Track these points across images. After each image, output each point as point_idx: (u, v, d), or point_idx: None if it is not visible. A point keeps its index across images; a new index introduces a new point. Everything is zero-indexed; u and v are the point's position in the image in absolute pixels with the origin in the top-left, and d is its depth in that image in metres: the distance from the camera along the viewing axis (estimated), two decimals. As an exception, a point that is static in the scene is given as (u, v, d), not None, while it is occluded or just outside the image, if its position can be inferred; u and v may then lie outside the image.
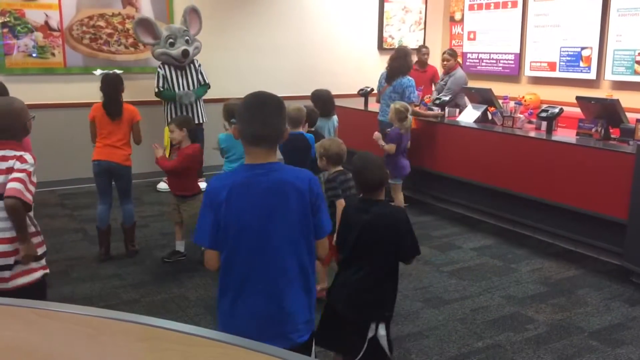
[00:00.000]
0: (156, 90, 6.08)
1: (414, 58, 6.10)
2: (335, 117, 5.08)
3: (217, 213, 1.86)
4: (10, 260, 2.57)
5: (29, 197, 2.56)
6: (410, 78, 5.54)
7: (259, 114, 1.89)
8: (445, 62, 6.59)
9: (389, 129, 5.16)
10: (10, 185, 2.52)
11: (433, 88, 7.11)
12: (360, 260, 2.52)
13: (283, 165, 1.95)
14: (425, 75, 7.29)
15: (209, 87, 6.34)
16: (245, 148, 1.93)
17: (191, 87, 6.14)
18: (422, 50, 7.41)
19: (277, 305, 1.91)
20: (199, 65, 6.29)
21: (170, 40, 5.99)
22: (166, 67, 6.08)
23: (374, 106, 6.35)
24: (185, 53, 5.98)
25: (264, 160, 1.90)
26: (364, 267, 2.51)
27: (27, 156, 2.62)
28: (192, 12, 6.25)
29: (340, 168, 3.52)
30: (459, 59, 7.41)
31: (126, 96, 4.50)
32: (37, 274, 2.69)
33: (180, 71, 6.10)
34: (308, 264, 1.97)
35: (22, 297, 2.53)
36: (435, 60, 8.78)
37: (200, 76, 6.26)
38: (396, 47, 6.42)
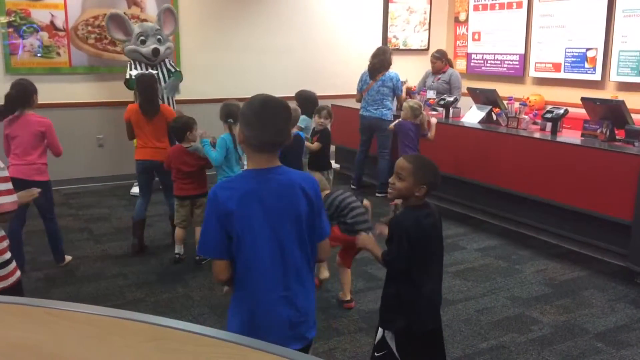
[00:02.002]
0: (127, 77, 5.88)
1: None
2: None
3: (225, 223, 1.80)
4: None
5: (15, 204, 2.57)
6: (395, 72, 5.95)
7: (272, 121, 1.83)
8: (432, 64, 6.70)
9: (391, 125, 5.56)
10: (5, 200, 2.49)
11: None
12: (427, 267, 2.33)
13: (288, 169, 1.92)
14: None
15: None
16: (249, 153, 1.89)
17: (162, 84, 5.96)
18: None
19: (295, 309, 1.90)
20: (169, 62, 6.16)
21: (142, 38, 5.94)
22: (137, 64, 5.99)
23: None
24: (155, 52, 5.90)
25: (269, 164, 1.86)
26: (433, 273, 2.36)
27: None
28: (167, 12, 6.16)
29: None
30: (453, 60, 7.25)
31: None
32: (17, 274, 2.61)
33: (151, 69, 6.00)
34: (313, 264, 1.98)
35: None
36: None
37: (169, 70, 6.11)
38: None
